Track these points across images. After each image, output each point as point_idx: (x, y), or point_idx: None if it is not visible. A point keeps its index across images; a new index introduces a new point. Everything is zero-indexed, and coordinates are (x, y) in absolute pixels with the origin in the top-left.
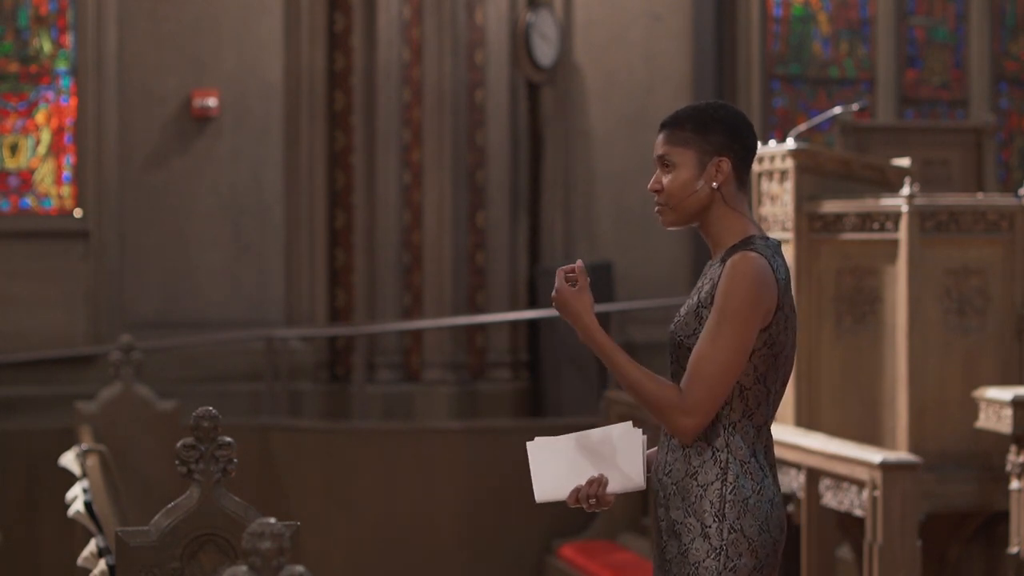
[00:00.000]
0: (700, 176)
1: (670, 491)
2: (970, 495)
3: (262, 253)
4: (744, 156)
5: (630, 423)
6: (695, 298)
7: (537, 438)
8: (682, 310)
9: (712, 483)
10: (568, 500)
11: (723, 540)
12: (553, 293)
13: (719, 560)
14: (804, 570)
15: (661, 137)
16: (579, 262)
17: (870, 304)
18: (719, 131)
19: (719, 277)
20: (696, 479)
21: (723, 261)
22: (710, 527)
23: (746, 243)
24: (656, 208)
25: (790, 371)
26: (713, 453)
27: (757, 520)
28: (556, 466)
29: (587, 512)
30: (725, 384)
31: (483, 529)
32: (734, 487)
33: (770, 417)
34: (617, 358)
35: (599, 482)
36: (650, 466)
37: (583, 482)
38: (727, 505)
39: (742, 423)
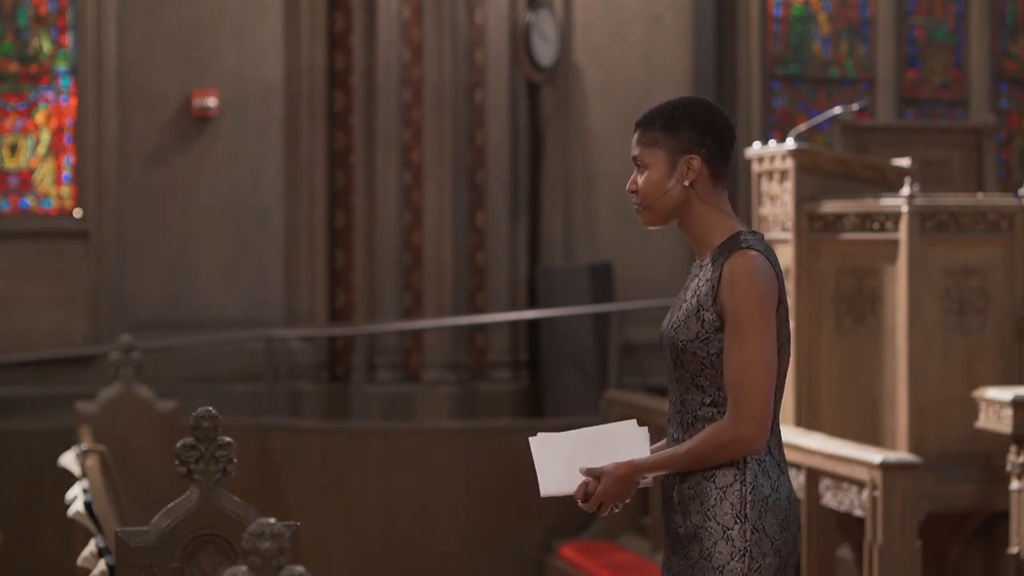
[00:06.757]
0: (672, 175)
1: (687, 495)
2: (970, 495)
3: (262, 253)
4: (717, 152)
5: (634, 421)
6: (693, 301)
7: (540, 434)
8: (678, 313)
9: (731, 484)
10: (576, 494)
11: (747, 541)
12: (591, 502)
13: (743, 562)
14: (804, 570)
15: (635, 137)
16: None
17: (870, 304)
18: (688, 128)
19: (719, 280)
20: (714, 481)
21: (714, 260)
22: (732, 529)
23: (736, 240)
24: (635, 208)
25: (788, 363)
26: None
27: (777, 518)
28: (560, 461)
29: (587, 512)
30: (769, 384)
31: (483, 529)
32: (753, 487)
33: (777, 412)
34: (669, 462)
35: None
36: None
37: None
38: (748, 505)
39: None
